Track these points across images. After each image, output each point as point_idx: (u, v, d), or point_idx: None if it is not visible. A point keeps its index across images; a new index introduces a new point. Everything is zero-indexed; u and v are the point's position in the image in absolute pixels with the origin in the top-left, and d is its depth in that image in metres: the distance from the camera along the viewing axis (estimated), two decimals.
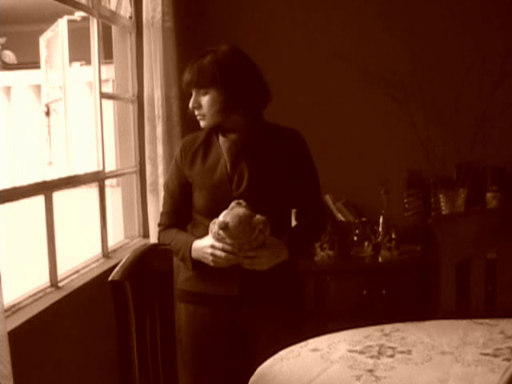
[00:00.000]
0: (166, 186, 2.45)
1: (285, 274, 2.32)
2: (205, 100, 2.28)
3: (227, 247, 2.18)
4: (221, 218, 2.17)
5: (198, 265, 2.29)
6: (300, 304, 2.47)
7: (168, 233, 2.39)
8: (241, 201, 2.19)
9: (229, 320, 2.33)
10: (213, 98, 2.27)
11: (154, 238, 2.88)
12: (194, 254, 2.29)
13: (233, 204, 2.18)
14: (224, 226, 2.15)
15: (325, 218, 2.59)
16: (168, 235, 2.38)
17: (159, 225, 2.46)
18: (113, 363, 1.91)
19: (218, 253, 2.19)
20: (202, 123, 2.34)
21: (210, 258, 2.22)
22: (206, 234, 2.28)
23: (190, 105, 2.32)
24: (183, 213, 2.42)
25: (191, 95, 2.33)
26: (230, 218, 2.15)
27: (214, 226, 2.19)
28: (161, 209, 2.51)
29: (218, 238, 2.19)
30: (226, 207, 2.20)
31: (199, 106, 2.30)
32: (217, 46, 2.31)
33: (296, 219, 2.47)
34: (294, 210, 2.54)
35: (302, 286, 2.51)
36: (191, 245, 2.30)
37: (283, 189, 2.32)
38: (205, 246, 2.24)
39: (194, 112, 2.34)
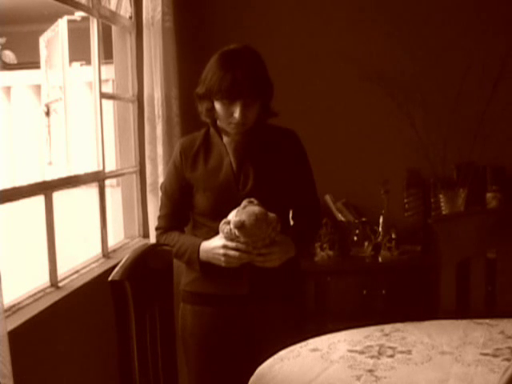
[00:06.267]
0: (164, 189, 2.43)
1: (291, 271, 2.34)
2: (251, 110, 2.24)
3: (241, 246, 2.18)
4: (234, 217, 2.17)
5: (206, 266, 2.29)
6: (304, 302, 2.50)
7: (169, 236, 2.38)
8: (252, 199, 2.19)
9: (237, 319, 2.34)
10: (258, 106, 2.26)
11: (153, 238, 2.88)
12: (202, 256, 2.28)
13: (245, 203, 2.17)
14: (240, 225, 2.14)
15: (321, 216, 2.61)
16: (170, 238, 2.37)
17: (157, 228, 2.45)
18: (113, 363, 1.91)
19: (232, 252, 2.19)
20: (235, 130, 2.28)
21: (223, 258, 2.21)
22: (210, 235, 2.28)
23: (240, 120, 2.21)
24: (182, 215, 2.42)
25: (206, 100, 2.27)
26: (245, 216, 2.14)
27: (227, 225, 2.18)
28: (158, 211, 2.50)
29: (231, 238, 2.18)
30: (231, 207, 2.19)
31: (245, 118, 2.24)
32: (243, 50, 2.26)
33: (292, 218, 2.48)
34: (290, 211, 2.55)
35: (305, 285, 2.54)
36: (199, 246, 2.29)
37: (285, 187, 2.34)
38: (216, 246, 2.23)
39: (213, 120, 2.31)
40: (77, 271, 2.85)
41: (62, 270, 2.74)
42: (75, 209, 8.44)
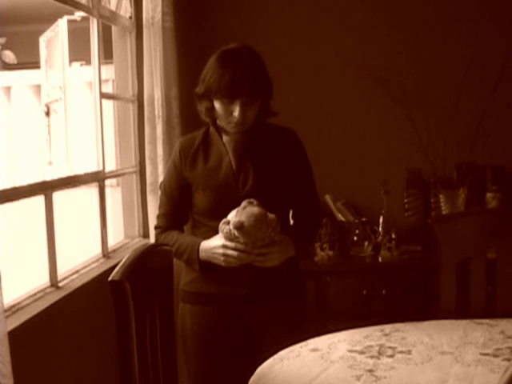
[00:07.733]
0: (164, 188, 2.43)
1: (291, 271, 2.35)
2: (251, 109, 2.23)
3: (240, 246, 2.18)
4: (233, 217, 2.16)
5: (205, 266, 2.29)
6: (304, 302, 2.50)
7: (168, 235, 2.38)
8: (252, 199, 2.18)
9: (236, 319, 2.34)
10: (258, 105, 2.26)
11: (153, 239, 2.88)
12: (202, 255, 2.28)
13: (244, 203, 2.17)
14: (239, 226, 2.14)
15: (321, 215, 2.61)
16: (169, 237, 2.37)
17: (156, 227, 2.45)
18: (113, 363, 1.91)
19: (231, 252, 2.19)
20: (234, 129, 2.28)
21: (222, 258, 2.21)
22: (209, 234, 2.27)
23: (240, 118, 2.21)
24: (181, 215, 2.42)
25: (205, 100, 2.26)
26: (245, 217, 2.14)
27: (227, 225, 2.18)
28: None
29: (231, 238, 2.18)
30: (231, 206, 2.19)
31: (245, 117, 2.23)
32: (242, 49, 2.25)
33: (293, 218, 2.48)
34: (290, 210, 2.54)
35: (304, 285, 2.53)
36: (199, 246, 2.29)
37: (285, 187, 2.34)
38: (215, 246, 2.23)
39: (213, 119, 2.31)
40: (77, 271, 2.85)
41: (62, 270, 2.74)
42: (75, 209, 8.45)
